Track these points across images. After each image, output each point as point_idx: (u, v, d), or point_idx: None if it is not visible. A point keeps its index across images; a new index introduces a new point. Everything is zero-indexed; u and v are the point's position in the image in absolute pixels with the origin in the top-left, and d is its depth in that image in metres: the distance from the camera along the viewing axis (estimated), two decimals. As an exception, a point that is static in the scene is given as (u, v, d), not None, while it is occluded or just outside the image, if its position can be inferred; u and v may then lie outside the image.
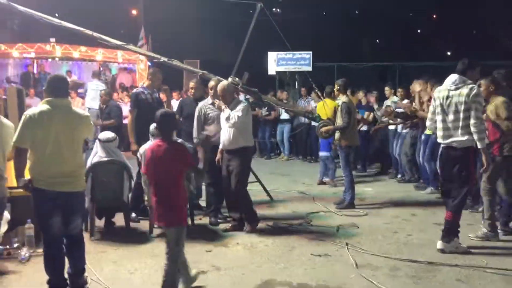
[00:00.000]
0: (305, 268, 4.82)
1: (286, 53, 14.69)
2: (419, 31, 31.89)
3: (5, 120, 4.08)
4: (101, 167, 5.69)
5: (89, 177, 5.64)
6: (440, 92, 5.27)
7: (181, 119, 6.94)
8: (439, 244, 5.25)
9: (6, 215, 4.80)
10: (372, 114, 10.44)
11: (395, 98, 9.71)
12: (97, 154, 5.80)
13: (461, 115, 5.06)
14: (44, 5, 22.08)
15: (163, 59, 7.53)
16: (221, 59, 18.77)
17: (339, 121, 7.35)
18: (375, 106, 10.41)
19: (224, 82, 6.29)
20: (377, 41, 29.86)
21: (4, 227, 4.75)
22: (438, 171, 5.69)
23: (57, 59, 17.33)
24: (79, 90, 13.37)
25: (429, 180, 8.17)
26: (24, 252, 4.94)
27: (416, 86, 8.19)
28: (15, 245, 5.08)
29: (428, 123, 5.55)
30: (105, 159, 5.71)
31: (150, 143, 5.84)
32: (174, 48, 20.62)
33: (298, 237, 5.86)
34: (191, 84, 7.14)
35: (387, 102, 9.77)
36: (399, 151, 9.18)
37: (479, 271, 4.69)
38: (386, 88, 9.96)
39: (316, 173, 10.08)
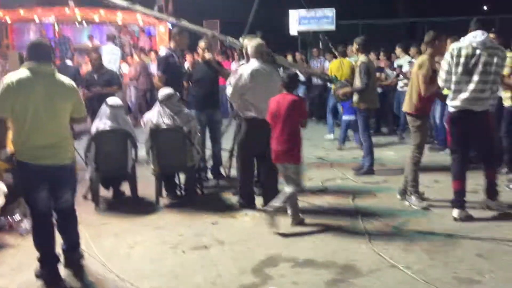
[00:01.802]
0: (314, 240, 4.55)
1: (308, 11, 14.07)
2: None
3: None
4: (103, 136, 5.47)
5: (92, 146, 5.45)
6: (461, 50, 4.78)
7: (190, 84, 6.64)
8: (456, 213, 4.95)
9: (2, 187, 4.65)
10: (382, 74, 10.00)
11: (407, 58, 9.38)
12: (102, 120, 5.56)
13: (491, 77, 4.75)
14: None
15: (170, 19, 7.23)
16: (243, 19, 18.19)
17: (357, 82, 6.91)
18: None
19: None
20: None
21: (1, 200, 4.61)
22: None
23: (77, 23, 17.14)
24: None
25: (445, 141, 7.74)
26: (25, 224, 4.82)
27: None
28: (17, 217, 4.97)
29: (441, 82, 4.97)
30: (108, 128, 5.47)
31: (155, 111, 5.60)
32: (196, 7, 20.15)
33: (313, 206, 5.58)
34: (201, 45, 6.75)
35: (399, 62, 9.48)
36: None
37: (503, 245, 4.32)
38: (397, 48, 9.46)
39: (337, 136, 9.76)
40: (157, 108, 5.61)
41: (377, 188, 6.26)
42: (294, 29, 14.23)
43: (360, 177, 6.79)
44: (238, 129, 5.75)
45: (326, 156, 8.31)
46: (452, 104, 4.91)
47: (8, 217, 4.90)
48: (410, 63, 9.02)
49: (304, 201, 5.71)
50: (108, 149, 5.46)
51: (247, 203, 5.35)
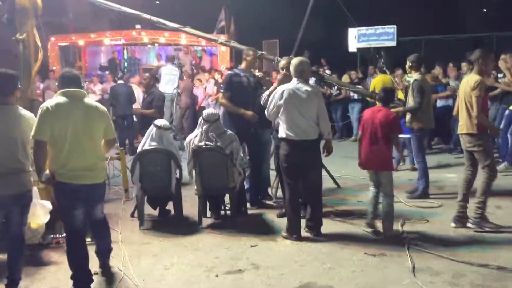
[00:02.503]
0: (354, 270, 4.32)
1: (367, 28, 13.80)
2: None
3: (24, 111, 4.01)
4: (147, 156, 5.57)
5: (136, 165, 5.55)
6: None
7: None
8: None
9: (47, 204, 4.82)
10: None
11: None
12: (147, 141, 5.67)
13: None
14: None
15: (220, 40, 7.30)
16: (302, 38, 18.19)
17: (410, 101, 6.61)
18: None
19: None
20: (484, 10, 27.25)
21: (46, 217, 4.78)
22: None
23: (149, 45, 17.83)
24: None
25: (505, 155, 7.63)
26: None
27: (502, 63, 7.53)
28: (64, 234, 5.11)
29: None
30: (152, 147, 5.56)
31: (197, 132, 5.63)
32: (256, 28, 20.38)
33: (356, 231, 5.35)
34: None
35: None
36: None
37: None
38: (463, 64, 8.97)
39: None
40: (199, 128, 5.64)
41: (430, 213, 5.91)
42: (353, 46, 13.98)
43: (413, 200, 6.44)
44: (277, 149, 5.62)
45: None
46: None
47: (58, 235, 5.06)
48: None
49: (347, 222, 5.51)
50: (152, 168, 5.54)
51: (292, 234, 5.16)
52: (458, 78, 9.48)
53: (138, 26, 16.09)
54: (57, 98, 3.85)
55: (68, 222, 3.92)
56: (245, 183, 6.38)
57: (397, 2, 20.24)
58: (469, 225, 5.31)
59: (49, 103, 3.81)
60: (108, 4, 7.43)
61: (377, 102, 5.45)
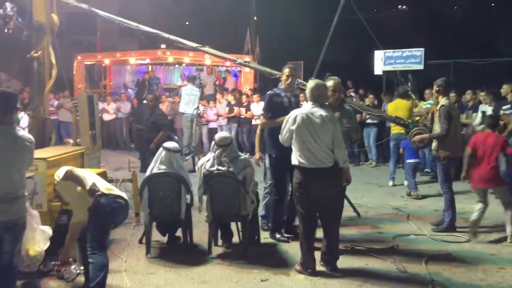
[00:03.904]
0: (370, 312, 3.96)
1: (394, 51, 13.49)
2: None
3: (21, 132, 3.81)
4: (156, 180, 5.33)
5: (145, 189, 5.32)
6: None
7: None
8: None
9: (48, 230, 4.60)
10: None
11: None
12: (157, 164, 5.44)
13: None
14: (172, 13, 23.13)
15: (239, 61, 7.08)
16: (327, 59, 17.98)
17: (436, 128, 6.24)
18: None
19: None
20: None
21: (46, 244, 4.56)
22: None
23: (176, 65, 17.86)
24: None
25: None
26: (73, 268, 4.72)
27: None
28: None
29: None
30: (161, 171, 5.33)
31: (210, 156, 5.39)
32: (281, 50, 20.29)
33: (376, 267, 4.97)
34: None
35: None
36: None
37: None
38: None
39: (423, 184, 9.01)
40: (212, 153, 5.39)
41: (458, 249, 5.48)
42: (378, 68, 13.66)
43: (439, 233, 6.02)
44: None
45: (403, 206, 7.58)
46: None
47: (59, 262, 4.83)
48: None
49: (366, 256, 5.13)
50: (161, 193, 5.30)
51: (306, 268, 4.80)
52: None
53: (163, 46, 16.16)
54: None
55: None
56: (263, 210, 6.12)
57: (425, 25, 19.96)
58: None
59: None
60: (127, 23, 7.35)
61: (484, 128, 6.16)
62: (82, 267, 4.58)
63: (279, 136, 5.00)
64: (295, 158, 4.80)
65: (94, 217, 4.16)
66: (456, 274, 4.75)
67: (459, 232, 6.05)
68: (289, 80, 5.83)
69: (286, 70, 5.90)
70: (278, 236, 5.77)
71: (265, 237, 5.90)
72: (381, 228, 6.31)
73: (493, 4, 26.74)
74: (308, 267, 4.78)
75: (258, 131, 6.24)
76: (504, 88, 7.91)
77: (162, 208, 5.35)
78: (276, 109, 5.73)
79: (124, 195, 4.41)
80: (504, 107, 7.82)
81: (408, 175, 8.21)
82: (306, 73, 14.46)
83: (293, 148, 4.83)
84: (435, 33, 19.35)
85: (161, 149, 5.51)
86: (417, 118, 8.16)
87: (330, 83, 5.38)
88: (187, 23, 26.73)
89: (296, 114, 4.82)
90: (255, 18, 23.50)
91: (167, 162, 5.39)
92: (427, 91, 10.22)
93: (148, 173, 5.44)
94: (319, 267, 4.86)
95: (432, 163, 9.77)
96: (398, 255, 5.30)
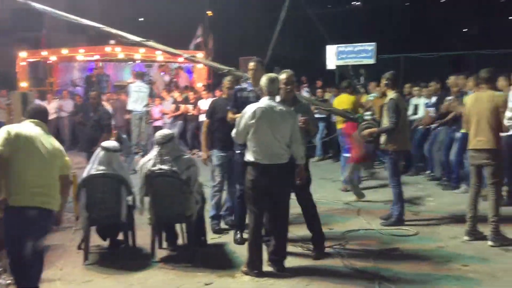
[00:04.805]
0: (316, 313, 3.83)
1: (346, 45, 13.55)
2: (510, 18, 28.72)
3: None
4: (94, 182, 5.03)
5: (82, 192, 5.02)
6: None
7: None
8: None
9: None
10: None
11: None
12: (94, 165, 5.14)
13: None
14: (125, 10, 22.51)
15: (185, 56, 6.83)
16: (280, 55, 17.95)
17: (385, 121, 6.20)
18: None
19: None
20: (465, 30, 27.36)
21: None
22: None
23: (129, 62, 17.32)
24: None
25: (458, 178, 7.74)
26: (3, 279, 4.38)
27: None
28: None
29: (507, 122, 5.03)
30: (99, 172, 5.04)
31: (151, 155, 5.13)
32: (234, 45, 20.10)
33: (324, 264, 4.86)
34: (226, 83, 6.22)
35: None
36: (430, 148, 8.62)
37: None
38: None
39: (373, 180, 9.01)
40: (154, 151, 5.13)
41: (406, 243, 5.45)
42: (331, 63, 13.68)
43: (387, 228, 5.99)
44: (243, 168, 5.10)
45: (355, 201, 7.53)
46: None
47: None
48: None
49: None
50: (99, 195, 5.00)
51: (252, 269, 4.64)
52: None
53: (112, 42, 15.65)
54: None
55: None
56: (212, 210, 5.94)
57: (377, 20, 20.22)
58: (489, 243, 5.24)
59: None
60: (64, 15, 6.98)
61: None
62: (11, 277, 4.24)
63: (232, 132, 4.81)
64: (251, 154, 4.63)
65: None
66: (403, 269, 4.69)
67: (407, 226, 6.03)
68: (253, 74, 5.62)
69: (250, 64, 5.67)
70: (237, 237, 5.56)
71: (212, 237, 5.71)
72: (332, 225, 6.21)
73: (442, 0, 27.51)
74: (254, 268, 4.62)
75: (204, 128, 6.04)
76: (451, 79, 8.03)
77: (101, 211, 5.06)
78: (242, 105, 5.46)
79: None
80: (447, 98, 7.98)
81: (343, 168, 8.22)
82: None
83: (249, 143, 4.65)
84: (387, 28, 19.66)
85: (99, 148, 5.21)
86: (361, 111, 8.17)
87: (282, 76, 5.17)
88: (141, 19, 26.19)
89: (254, 108, 4.63)
90: (209, 13, 23.23)
91: (106, 163, 5.10)
92: (371, 84, 10.30)
93: (85, 174, 5.13)
94: (267, 267, 4.70)
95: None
96: (347, 252, 5.22)
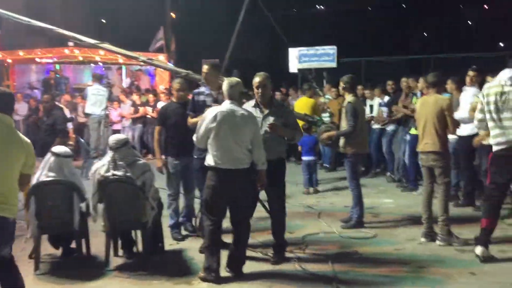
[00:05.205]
0: (273, 320, 3.77)
1: (308, 49, 13.60)
2: (469, 22, 29.59)
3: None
4: (44, 189, 4.84)
5: (32, 200, 4.81)
6: (491, 89, 4.84)
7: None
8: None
9: None
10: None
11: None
12: (44, 171, 4.94)
13: None
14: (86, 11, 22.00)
15: (142, 58, 6.68)
16: (242, 57, 17.90)
17: (343, 125, 6.22)
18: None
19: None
20: (425, 34, 28.00)
21: None
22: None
23: (91, 64, 16.91)
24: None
25: (415, 179, 7.91)
26: None
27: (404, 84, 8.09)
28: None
29: (476, 123, 5.07)
30: (50, 178, 4.85)
31: (105, 161, 4.97)
32: (197, 48, 19.89)
33: (283, 269, 4.82)
34: (176, 85, 6.02)
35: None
36: (389, 149, 8.80)
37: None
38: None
39: (332, 181, 9.08)
40: (108, 157, 4.98)
41: (365, 246, 5.47)
42: (294, 66, 13.72)
43: (347, 230, 6.00)
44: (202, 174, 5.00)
45: (316, 204, 7.54)
46: (497, 142, 4.80)
47: None
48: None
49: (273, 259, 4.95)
50: (49, 203, 4.82)
51: (209, 274, 4.54)
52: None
53: (70, 43, 15.26)
54: None
55: None
56: (171, 219, 5.82)
57: (339, 24, 20.45)
58: (438, 242, 5.35)
59: None
60: (17, 17, 6.72)
61: None
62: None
63: (194, 136, 4.70)
64: (211, 159, 4.53)
65: None
66: (361, 272, 4.70)
67: (367, 228, 6.06)
68: (206, 77, 5.50)
69: (203, 67, 5.55)
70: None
71: (170, 244, 5.58)
72: (292, 228, 6.18)
73: (403, 5, 28.05)
74: (211, 273, 4.53)
75: (156, 136, 5.89)
76: (403, 81, 8.33)
77: (52, 219, 4.87)
78: (200, 108, 5.33)
79: None
80: (401, 99, 8.29)
81: (304, 172, 8.26)
82: (224, 71, 14.25)
83: (209, 147, 4.56)
84: (349, 32, 19.92)
85: (49, 154, 5.02)
86: (320, 115, 8.27)
87: (255, 79, 5.07)
88: (103, 20, 25.62)
89: (216, 111, 4.54)
90: (172, 15, 22.94)
91: (57, 169, 4.92)
92: (326, 86, 10.47)
93: (34, 181, 4.92)
94: (224, 273, 4.62)
95: (330, 158, 10.10)
96: (307, 256, 5.19)
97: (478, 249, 4.81)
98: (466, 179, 7.04)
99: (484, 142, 6.02)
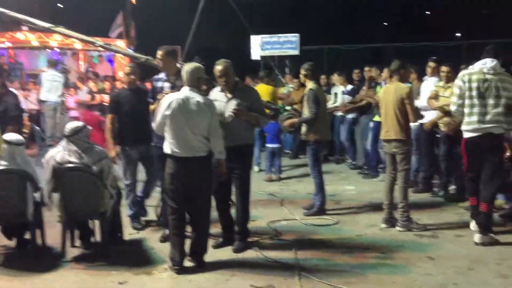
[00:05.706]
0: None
1: (271, 36, 13.54)
2: (427, 12, 30.18)
3: None
4: (-4, 178, 4.61)
5: (-18, 190, 4.58)
6: (472, 75, 4.94)
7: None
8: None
9: None
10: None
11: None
12: (-5, 160, 4.70)
13: (503, 101, 4.85)
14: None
15: (98, 43, 6.45)
16: (210, 44, 17.69)
17: (306, 112, 6.20)
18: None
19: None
20: (385, 24, 28.37)
21: None
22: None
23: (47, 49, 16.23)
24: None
25: (376, 166, 8.05)
26: None
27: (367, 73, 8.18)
28: None
29: (454, 108, 5.11)
30: (1, 167, 4.62)
31: (60, 148, 4.78)
32: (158, 35, 19.49)
33: (245, 257, 4.78)
34: (126, 69, 5.75)
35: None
36: (349, 135, 8.98)
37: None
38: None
39: (295, 169, 9.13)
40: (62, 143, 4.79)
41: (325, 233, 5.50)
42: (256, 54, 13.64)
43: (309, 218, 6.02)
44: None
45: (279, 191, 7.53)
46: (470, 128, 4.94)
47: None
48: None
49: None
50: (1, 193, 4.59)
51: (173, 264, 4.44)
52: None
53: (24, 28, 14.65)
54: None
55: None
56: (130, 209, 5.67)
57: (301, 11, 20.45)
58: (398, 228, 5.43)
59: None
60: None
61: None
62: None
63: (152, 123, 4.56)
64: (168, 146, 4.43)
65: None
66: (323, 258, 4.71)
67: (329, 215, 6.10)
68: (161, 63, 5.32)
69: (157, 52, 5.30)
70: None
71: (130, 233, 5.46)
72: (255, 215, 6.14)
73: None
74: (175, 263, 4.44)
75: (108, 125, 5.69)
76: (366, 70, 8.39)
77: (4, 210, 4.65)
78: (158, 94, 5.11)
79: None
80: (363, 88, 8.32)
81: (267, 159, 8.29)
82: (185, 57, 14.01)
83: (166, 135, 4.44)
84: (312, 19, 19.97)
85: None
86: (279, 102, 8.25)
87: (218, 67, 4.94)
88: (60, 5, 24.74)
89: (171, 99, 4.41)
90: (132, 1, 22.34)
91: (9, 157, 4.69)
92: (287, 76, 10.50)
93: (-15, 170, 4.68)
94: (187, 262, 4.54)
95: (292, 144, 10.16)
96: (269, 243, 5.17)
97: (477, 237, 4.90)
98: (426, 165, 7.17)
99: (443, 129, 6.16)
